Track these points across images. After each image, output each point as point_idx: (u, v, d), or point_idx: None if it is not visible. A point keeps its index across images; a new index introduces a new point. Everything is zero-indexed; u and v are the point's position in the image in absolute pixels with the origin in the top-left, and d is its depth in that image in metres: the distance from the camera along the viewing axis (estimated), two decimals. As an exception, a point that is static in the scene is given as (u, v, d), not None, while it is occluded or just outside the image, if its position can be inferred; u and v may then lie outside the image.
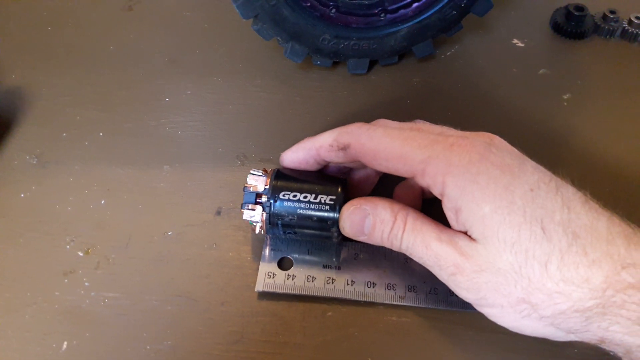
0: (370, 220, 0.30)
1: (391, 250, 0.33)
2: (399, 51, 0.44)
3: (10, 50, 0.47)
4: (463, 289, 0.28)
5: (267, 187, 0.32)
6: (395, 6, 0.42)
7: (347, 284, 0.33)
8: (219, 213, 0.37)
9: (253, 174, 0.32)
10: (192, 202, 0.37)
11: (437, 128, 0.31)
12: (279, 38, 0.42)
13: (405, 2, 0.42)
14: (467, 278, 0.27)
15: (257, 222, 0.32)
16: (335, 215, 0.31)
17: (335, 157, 0.32)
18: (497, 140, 0.29)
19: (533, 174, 0.27)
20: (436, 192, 0.29)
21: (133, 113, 0.42)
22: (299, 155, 0.34)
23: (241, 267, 0.34)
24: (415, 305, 0.32)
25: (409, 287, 0.33)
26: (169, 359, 0.31)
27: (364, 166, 0.35)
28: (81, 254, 0.35)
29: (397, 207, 0.30)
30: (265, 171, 0.33)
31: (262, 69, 0.46)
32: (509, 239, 0.26)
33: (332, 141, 0.32)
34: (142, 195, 0.37)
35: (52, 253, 0.35)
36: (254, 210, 0.32)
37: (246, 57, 0.47)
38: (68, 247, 0.35)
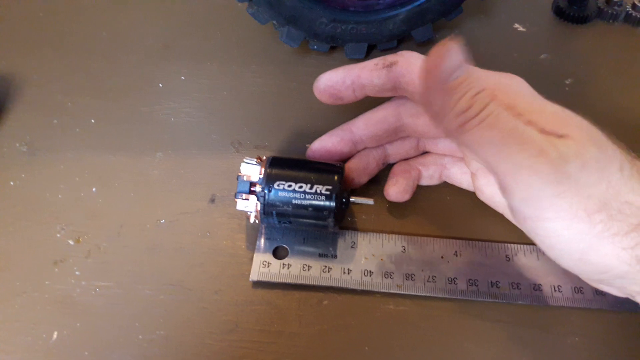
0: (461, 72, 0.25)
1: (389, 239, 0.33)
2: (398, 35, 0.43)
3: (0, 36, 0.46)
4: (541, 175, 0.24)
5: (261, 176, 0.31)
6: (393, -11, 0.41)
7: (344, 273, 0.32)
8: (212, 201, 0.36)
9: (247, 163, 0.32)
10: (186, 189, 0.36)
11: None
12: (274, 22, 0.41)
13: (404, -16, 0.41)
14: (551, 164, 0.24)
15: (252, 211, 0.32)
16: (332, 204, 0.30)
17: (377, 78, 0.32)
18: None
19: None
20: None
21: (125, 99, 0.41)
22: (338, 74, 0.33)
23: (235, 256, 0.33)
24: (413, 293, 0.31)
25: (407, 275, 0.32)
26: (162, 349, 0.30)
27: (373, 143, 0.34)
28: (72, 243, 0.34)
29: None
30: (260, 159, 0.32)
31: (258, 54, 0.45)
32: (595, 137, 0.25)
33: (378, 60, 0.32)
34: (134, 182, 0.37)
35: (42, 242, 0.34)
36: (248, 200, 0.31)
37: (241, 43, 0.46)
38: (58, 235, 0.34)
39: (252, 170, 0.31)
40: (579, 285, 0.31)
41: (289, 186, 0.31)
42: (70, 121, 0.40)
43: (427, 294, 0.31)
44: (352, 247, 0.33)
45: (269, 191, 0.31)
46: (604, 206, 0.24)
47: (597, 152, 0.24)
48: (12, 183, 0.37)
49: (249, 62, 0.44)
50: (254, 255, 0.33)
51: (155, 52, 0.45)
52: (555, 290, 0.31)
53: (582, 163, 0.24)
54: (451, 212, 0.35)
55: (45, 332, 0.30)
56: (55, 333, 0.30)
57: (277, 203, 0.31)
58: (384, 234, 0.34)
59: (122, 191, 0.36)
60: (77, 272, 0.33)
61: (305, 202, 0.30)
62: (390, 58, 0.31)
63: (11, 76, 0.43)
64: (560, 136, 0.24)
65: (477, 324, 0.31)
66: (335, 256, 0.33)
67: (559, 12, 0.48)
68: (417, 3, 0.41)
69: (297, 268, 0.32)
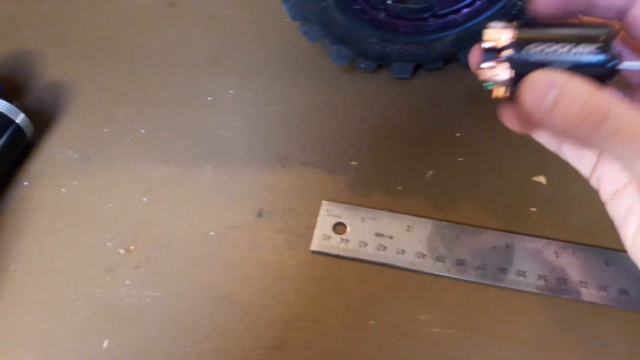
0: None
1: (442, 227, 0.35)
2: (445, 56, 0.43)
3: (52, 43, 0.47)
4: None
5: (513, 40, 0.25)
6: (444, 11, 0.41)
7: (398, 253, 0.34)
8: (260, 215, 0.36)
9: (494, 27, 0.26)
10: (234, 203, 0.37)
11: None
12: (325, 40, 0.41)
13: (455, 7, 0.41)
14: None
15: (503, 81, 0.25)
16: (603, 57, 0.24)
17: None
18: None
19: None
20: None
21: (175, 111, 0.42)
22: None
23: (282, 271, 0.34)
24: (463, 278, 0.33)
25: (458, 260, 0.33)
26: (210, 362, 0.30)
27: None
28: (122, 252, 0.34)
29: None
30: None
31: (305, 70, 0.45)
32: None
33: None
34: (184, 194, 0.37)
35: (94, 250, 0.34)
36: (496, 67, 0.25)
37: (288, 58, 0.46)
38: (109, 244, 0.35)
39: (501, 34, 0.25)
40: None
41: (549, 46, 0.25)
42: (121, 131, 0.41)
43: (478, 280, 0.33)
44: (407, 230, 0.35)
45: (524, 55, 0.25)
46: None
47: None
48: (64, 190, 0.37)
49: (296, 78, 0.45)
50: (315, 229, 0.35)
51: (203, 64, 0.45)
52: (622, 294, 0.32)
53: None
54: (504, 203, 0.36)
55: (95, 340, 0.31)
56: (106, 342, 0.31)
57: (534, 70, 0.24)
58: (438, 221, 0.35)
59: (172, 202, 0.37)
60: (127, 282, 0.33)
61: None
62: None
63: (63, 83, 0.44)
64: None
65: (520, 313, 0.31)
66: (390, 237, 0.34)
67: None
68: (467, 25, 0.42)
69: (355, 244, 0.34)
